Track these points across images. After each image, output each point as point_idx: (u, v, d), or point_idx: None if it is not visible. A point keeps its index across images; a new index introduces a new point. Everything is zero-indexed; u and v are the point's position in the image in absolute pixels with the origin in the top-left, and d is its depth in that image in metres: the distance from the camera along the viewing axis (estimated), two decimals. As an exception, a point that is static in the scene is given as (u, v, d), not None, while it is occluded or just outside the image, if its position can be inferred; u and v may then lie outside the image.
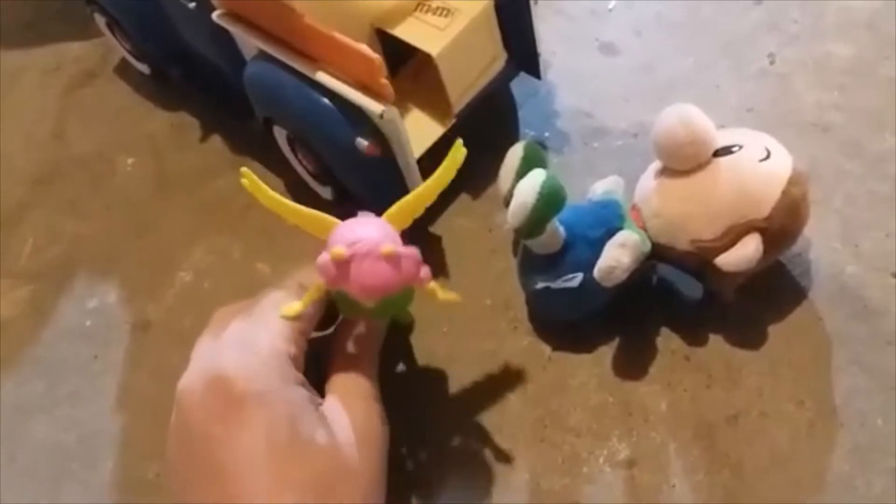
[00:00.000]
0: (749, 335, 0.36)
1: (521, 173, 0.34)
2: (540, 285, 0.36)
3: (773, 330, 0.36)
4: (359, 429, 0.31)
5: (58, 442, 0.40)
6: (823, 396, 0.34)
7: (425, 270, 0.31)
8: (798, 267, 0.37)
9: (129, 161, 0.49)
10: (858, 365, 0.35)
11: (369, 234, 0.29)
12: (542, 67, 0.42)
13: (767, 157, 0.33)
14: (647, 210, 0.35)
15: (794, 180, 0.33)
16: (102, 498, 0.38)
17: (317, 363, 0.33)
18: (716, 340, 0.36)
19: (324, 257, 0.29)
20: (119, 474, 0.38)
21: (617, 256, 0.33)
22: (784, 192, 0.33)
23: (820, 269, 0.37)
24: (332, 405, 0.31)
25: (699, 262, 0.34)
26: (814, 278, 0.37)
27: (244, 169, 0.30)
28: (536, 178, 0.33)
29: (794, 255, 0.37)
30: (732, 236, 0.33)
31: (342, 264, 0.29)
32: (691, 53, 0.46)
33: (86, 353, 0.43)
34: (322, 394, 0.32)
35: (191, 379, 0.31)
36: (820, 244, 0.38)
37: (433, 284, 0.32)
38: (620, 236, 0.33)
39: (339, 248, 0.28)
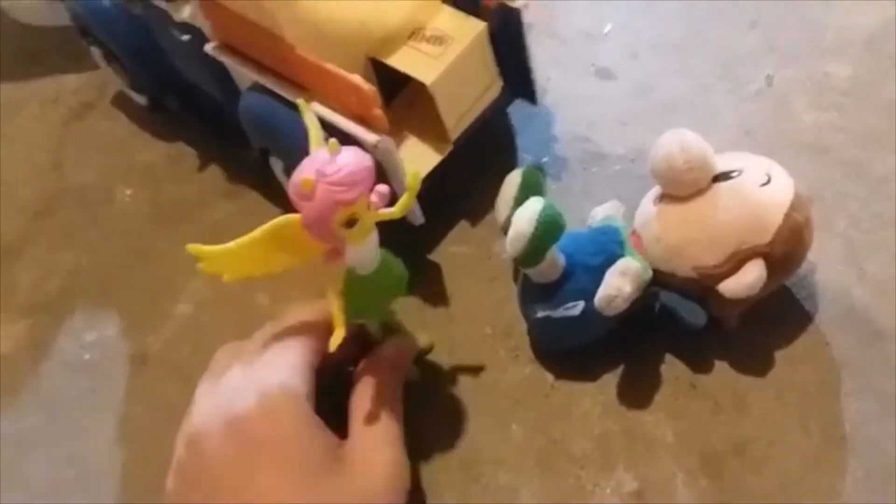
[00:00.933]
0: (755, 361, 0.36)
1: (519, 201, 0.34)
2: (540, 314, 0.35)
3: (778, 356, 0.35)
4: (385, 476, 0.30)
5: (57, 477, 0.40)
6: (832, 423, 0.34)
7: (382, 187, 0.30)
8: (803, 291, 0.37)
9: (128, 192, 0.49)
10: (867, 390, 0.34)
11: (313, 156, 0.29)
12: (538, 93, 0.42)
13: (768, 181, 0.33)
14: (647, 236, 0.34)
15: (797, 205, 0.33)
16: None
17: (330, 396, 0.33)
18: (721, 367, 0.36)
19: (294, 190, 0.28)
20: (120, 510, 0.38)
21: (618, 285, 0.32)
22: (786, 217, 0.32)
23: (825, 293, 0.37)
24: (357, 450, 0.31)
25: (702, 288, 0.34)
26: (819, 302, 0.36)
27: (190, 246, 0.29)
28: (534, 206, 0.32)
29: (799, 280, 0.37)
30: (735, 262, 0.32)
31: (312, 190, 0.28)
32: (688, 76, 0.46)
33: (84, 386, 0.42)
34: (338, 427, 0.32)
35: (206, 421, 0.30)
36: (824, 268, 0.37)
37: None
38: (621, 264, 0.33)
39: (304, 176, 0.28)
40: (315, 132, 0.30)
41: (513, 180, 0.36)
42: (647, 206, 0.35)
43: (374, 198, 0.30)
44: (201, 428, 0.30)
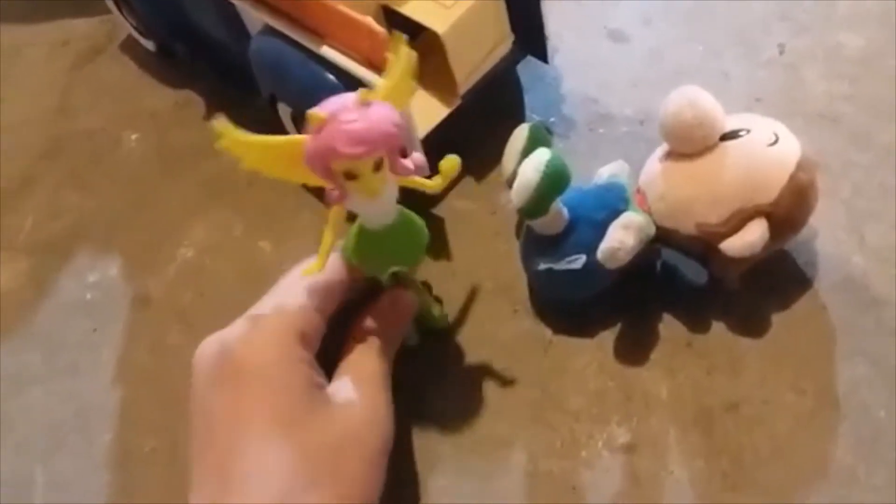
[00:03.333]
0: (752, 323, 0.36)
1: (526, 153, 0.34)
2: (542, 266, 0.35)
3: (776, 318, 0.36)
4: (363, 420, 0.30)
5: (54, 413, 0.40)
6: (826, 386, 0.34)
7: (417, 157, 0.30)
8: (803, 256, 0.37)
9: (133, 137, 0.49)
10: (862, 356, 0.34)
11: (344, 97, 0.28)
12: (549, 52, 0.42)
13: (776, 141, 0.33)
14: (651, 193, 0.34)
15: (803, 165, 0.33)
16: (98, 470, 0.38)
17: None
18: (718, 328, 0.36)
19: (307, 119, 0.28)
20: (115, 447, 0.38)
21: (620, 238, 0.32)
22: (792, 177, 0.32)
23: (825, 258, 0.37)
24: (341, 391, 0.31)
25: (704, 246, 0.34)
26: (819, 268, 0.37)
27: (219, 124, 0.28)
28: (541, 156, 0.32)
29: (800, 245, 0.37)
30: (738, 221, 0.32)
31: (321, 128, 0.27)
32: (700, 42, 0.45)
33: (85, 326, 0.43)
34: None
35: (205, 346, 0.31)
36: (826, 234, 0.37)
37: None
38: (624, 218, 0.33)
39: (317, 112, 0.27)
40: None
41: (520, 133, 0.36)
42: (653, 164, 0.35)
43: (407, 163, 0.30)
44: (199, 352, 0.31)
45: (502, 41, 0.40)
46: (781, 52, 0.44)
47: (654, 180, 0.34)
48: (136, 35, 0.51)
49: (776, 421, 0.34)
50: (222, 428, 0.29)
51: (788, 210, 0.32)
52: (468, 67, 0.39)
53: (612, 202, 0.35)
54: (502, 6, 0.39)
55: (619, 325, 0.37)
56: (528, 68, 0.44)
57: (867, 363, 0.34)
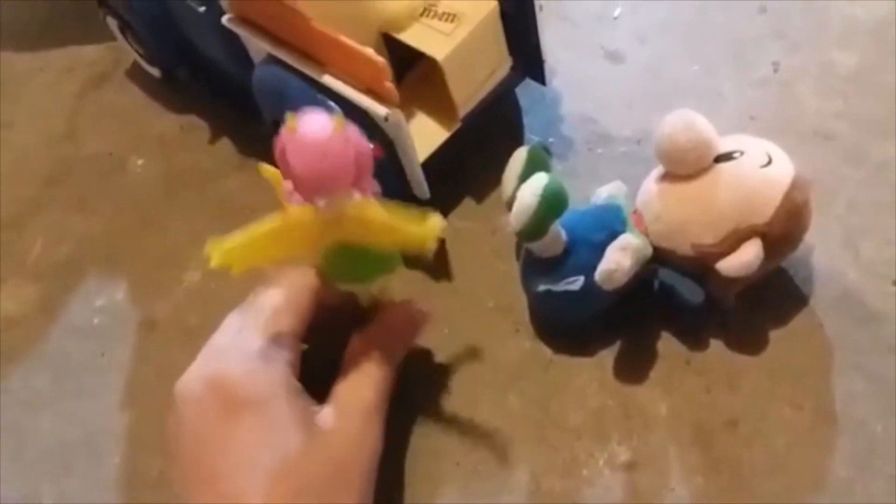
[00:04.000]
0: (749, 340, 0.36)
1: (525, 177, 0.34)
2: (542, 288, 0.36)
3: (773, 335, 0.36)
4: (348, 448, 0.31)
5: (63, 437, 0.40)
6: (823, 402, 0.34)
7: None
8: (799, 273, 0.37)
9: (139, 162, 0.50)
10: (858, 371, 0.35)
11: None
12: (547, 74, 0.43)
13: (769, 162, 0.33)
14: (648, 214, 0.35)
15: (796, 185, 0.33)
16: (106, 494, 0.38)
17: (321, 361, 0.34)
18: (716, 345, 0.36)
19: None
20: (123, 471, 0.39)
21: (618, 259, 0.33)
22: (786, 197, 0.33)
23: (821, 275, 0.37)
24: (330, 417, 0.31)
25: (700, 266, 0.34)
26: (815, 284, 0.37)
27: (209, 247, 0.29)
28: (539, 181, 0.33)
29: (796, 261, 0.37)
30: (733, 241, 0.33)
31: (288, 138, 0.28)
32: (695, 61, 0.46)
33: (93, 349, 0.43)
34: (323, 399, 0.33)
35: (190, 379, 0.31)
36: (821, 250, 0.38)
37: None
38: (622, 240, 0.34)
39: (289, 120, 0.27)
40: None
41: (519, 157, 0.36)
42: (650, 185, 0.36)
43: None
44: (183, 388, 0.31)
45: (501, 65, 0.41)
46: (775, 70, 0.45)
47: (651, 201, 0.35)
48: (141, 62, 0.52)
49: (774, 436, 0.34)
50: (223, 461, 0.29)
51: (783, 230, 0.33)
52: (467, 91, 0.40)
53: (609, 223, 0.35)
54: (500, 31, 0.40)
55: (618, 344, 0.37)
56: (526, 90, 0.45)
57: (864, 378, 0.35)
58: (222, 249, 0.29)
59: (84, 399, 0.42)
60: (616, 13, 0.49)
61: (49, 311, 0.45)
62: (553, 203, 0.33)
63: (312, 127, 0.28)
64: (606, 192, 0.38)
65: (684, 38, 0.47)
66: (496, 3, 0.38)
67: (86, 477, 0.39)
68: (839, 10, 0.46)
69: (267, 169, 0.30)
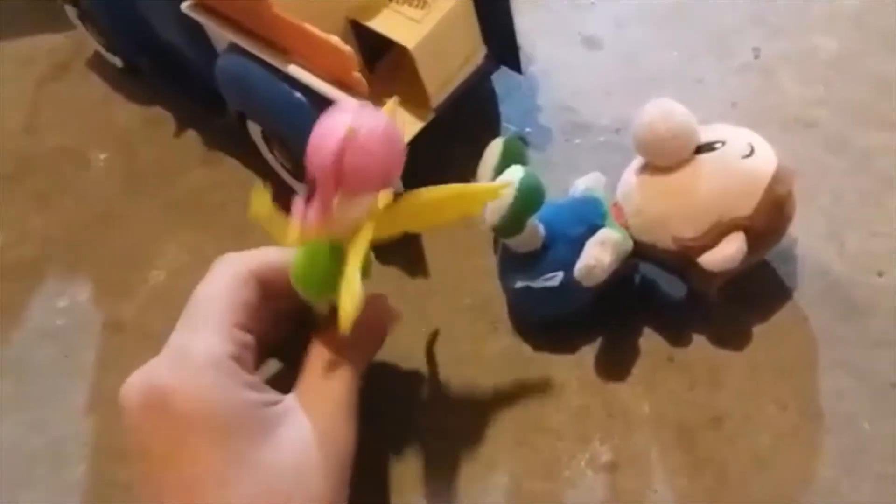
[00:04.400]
0: (733, 336, 0.35)
1: (500, 170, 0.33)
2: (520, 284, 0.35)
3: (757, 330, 0.35)
4: (319, 436, 0.29)
5: (25, 444, 0.39)
6: (808, 399, 0.34)
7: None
8: (783, 266, 0.37)
9: (102, 156, 0.48)
10: (844, 367, 0.34)
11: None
12: (523, 62, 0.41)
13: (751, 153, 0.32)
14: (628, 207, 0.34)
15: (779, 177, 0.32)
16: (71, 501, 0.37)
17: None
18: (699, 341, 0.36)
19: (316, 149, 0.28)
20: (89, 477, 0.37)
21: (597, 255, 0.32)
22: (768, 190, 0.32)
23: (805, 268, 0.37)
24: (291, 407, 0.30)
25: (682, 260, 0.33)
26: (799, 278, 0.36)
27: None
28: (514, 174, 0.32)
29: (779, 254, 0.37)
30: (715, 234, 0.32)
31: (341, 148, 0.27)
32: (675, 47, 0.45)
33: (56, 352, 0.42)
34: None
35: (129, 388, 0.29)
36: (805, 242, 0.37)
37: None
38: (601, 234, 0.33)
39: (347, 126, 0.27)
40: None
41: (494, 148, 0.35)
42: (629, 177, 0.35)
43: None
44: (124, 395, 0.29)
45: (474, 53, 0.40)
46: (756, 57, 0.44)
47: (631, 193, 0.34)
48: (102, 51, 0.50)
49: (759, 435, 0.33)
50: (167, 471, 0.27)
51: (766, 223, 0.32)
52: (440, 81, 0.38)
53: (588, 217, 0.34)
54: (473, 18, 0.38)
55: (599, 341, 0.36)
56: (502, 78, 0.44)
57: (850, 374, 0.34)
58: (265, 203, 0.29)
59: (47, 405, 0.40)
60: (593, -2, 0.48)
61: (10, 312, 0.43)
62: (529, 198, 0.32)
63: (372, 121, 0.27)
64: (584, 183, 0.37)
65: (663, 23, 0.46)
66: (469, -12, 0.37)
67: (49, 486, 0.38)
68: (821, -6, 0.45)
69: (258, 209, 0.30)
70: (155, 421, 0.28)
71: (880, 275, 0.36)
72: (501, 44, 0.40)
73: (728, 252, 0.32)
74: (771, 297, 0.36)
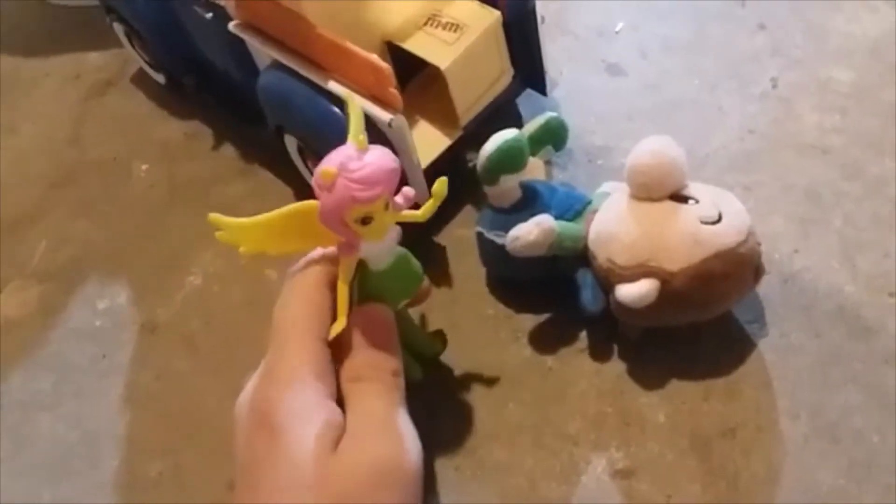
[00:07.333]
0: (748, 351, 0.37)
1: (534, 137, 0.38)
2: (478, 229, 0.38)
3: (771, 346, 0.36)
4: (376, 467, 0.30)
5: (62, 439, 0.41)
6: (819, 412, 0.35)
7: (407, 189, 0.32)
8: (797, 285, 0.38)
9: (143, 167, 0.50)
10: (855, 383, 0.35)
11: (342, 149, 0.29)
12: (548, 85, 0.43)
13: (716, 221, 0.34)
14: (597, 217, 0.36)
15: (724, 256, 0.33)
16: (104, 494, 0.38)
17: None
18: (715, 355, 0.37)
19: (315, 179, 0.29)
20: (122, 472, 0.39)
21: (527, 229, 0.34)
22: (703, 262, 0.33)
23: (819, 287, 0.38)
24: (354, 437, 0.30)
25: (607, 283, 0.35)
26: (812, 296, 0.37)
27: (211, 215, 0.30)
28: (506, 134, 0.36)
29: (794, 274, 0.38)
30: (640, 273, 0.34)
31: (332, 182, 0.28)
32: (695, 75, 0.47)
33: (94, 352, 0.43)
34: None
35: (242, 399, 0.32)
36: (819, 263, 0.38)
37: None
38: (540, 217, 0.35)
39: (326, 168, 0.28)
40: (356, 126, 0.30)
41: (538, 121, 0.39)
42: (615, 192, 0.37)
43: (399, 199, 0.31)
44: (238, 404, 0.31)
45: (503, 75, 0.41)
46: (774, 86, 0.45)
47: (605, 206, 0.36)
48: (146, 68, 0.52)
49: (771, 446, 0.34)
50: (261, 476, 0.29)
51: (687, 288, 0.33)
52: (469, 100, 0.40)
53: (566, 207, 0.37)
54: (503, 42, 0.40)
55: (616, 352, 0.38)
56: (528, 101, 0.45)
57: (860, 390, 0.35)
58: (227, 225, 0.30)
59: (84, 401, 0.42)
60: (618, 28, 0.50)
61: (51, 313, 0.45)
62: (504, 158, 0.36)
63: (375, 153, 0.29)
64: (609, 187, 0.39)
65: (684, 53, 0.48)
66: (499, 13, 0.39)
67: (85, 479, 0.39)
68: (837, 27, 0.47)
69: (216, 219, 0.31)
70: (253, 427, 0.30)
71: (891, 295, 0.37)
72: (529, 67, 0.42)
73: (637, 290, 0.33)
74: (785, 315, 0.37)
